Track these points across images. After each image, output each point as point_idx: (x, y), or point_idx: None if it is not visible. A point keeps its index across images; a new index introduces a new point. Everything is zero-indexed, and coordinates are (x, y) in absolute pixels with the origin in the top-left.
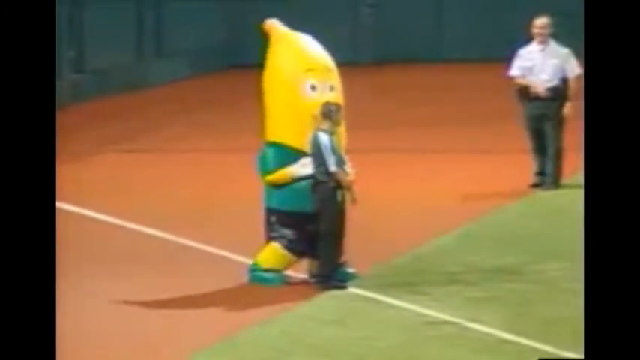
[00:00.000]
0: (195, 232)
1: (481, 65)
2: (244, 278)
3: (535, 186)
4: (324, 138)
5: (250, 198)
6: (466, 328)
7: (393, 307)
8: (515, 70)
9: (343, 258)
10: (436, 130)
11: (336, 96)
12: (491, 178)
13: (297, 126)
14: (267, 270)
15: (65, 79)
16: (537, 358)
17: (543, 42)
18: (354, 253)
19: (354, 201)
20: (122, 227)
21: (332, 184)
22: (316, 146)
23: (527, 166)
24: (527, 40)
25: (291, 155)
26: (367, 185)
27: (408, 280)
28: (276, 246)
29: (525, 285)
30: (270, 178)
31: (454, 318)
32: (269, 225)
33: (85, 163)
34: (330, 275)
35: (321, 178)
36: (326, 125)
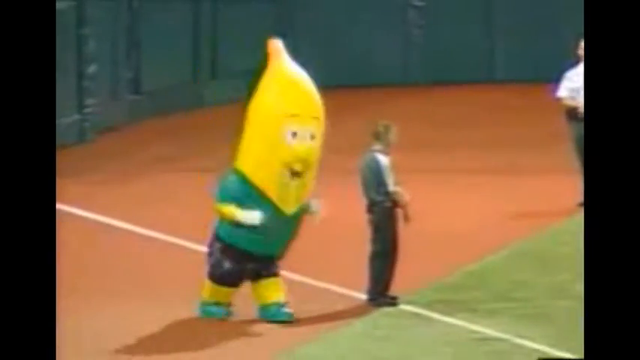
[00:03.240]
0: None
1: (531, 86)
2: (304, 296)
3: (583, 205)
4: (382, 159)
5: None
6: (515, 345)
7: (442, 323)
8: (563, 92)
9: (283, 298)
10: (488, 150)
11: (315, 145)
12: (540, 197)
13: (267, 167)
14: (215, 304)
15: (123, 99)
16: None
17: None
18: (405, 271)
19: (407, 219)
20: (174, 244)
21: (388, 203)
22: (373, 167)
23: (574, 185)
24: (575, 61)
25: (251, 192)
26: (417, 205)
27: (457, 298)
28: (208, 282)
29: (572, 302)
30: (219, 207)
31: (502, 334)
32: (211, 250)
33: (140, 181)
34: (382, 293)
35: (377, 198)
36: (379, 146)
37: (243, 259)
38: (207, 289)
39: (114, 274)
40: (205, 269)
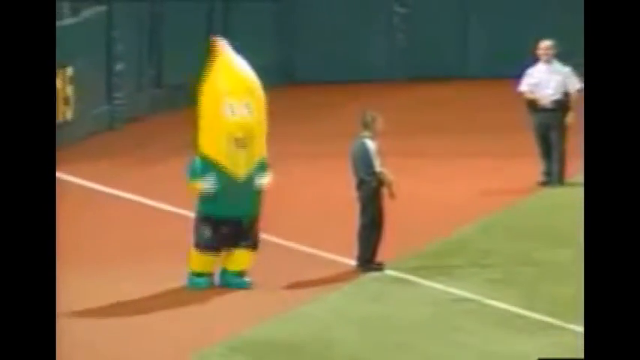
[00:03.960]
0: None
1: (498, 81)
2: (301, 262)
3: (543, 184)
4: (370, 143)
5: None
6: (485, 305)
7: (422, 286)
8: (524, 86)
9: (245, 268)
10: (457, 137)
11: (254, 116)
12: (506, 177)
13: (216, 140)
14: (199, 274)
15: (146, 93)
16: (545, 330)
17: (548, 61)
18: (390, 240)
19: (392, 196)
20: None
21: (375, 183)
22: (363, 150)
23: (535, 167)
24: (534, 60)
25: (209, 165)
26: (400, 184)
27: (435, 264)
28: (194, 252)
29: (535, 268)
30: (189, 184)
31: (475, 296)
32: (194, 224)
33: (162, 166)
34: (370, 260)
35: (366, 177)
36: (367, 132)
37: (217, 224)
38: (194, 259)
39: (135, 241)
40: (192, 242)
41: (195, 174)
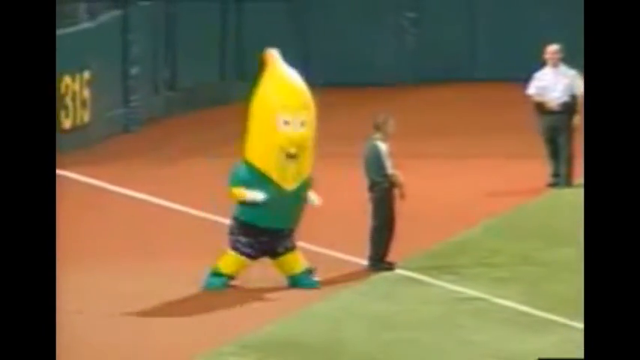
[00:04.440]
0: None
1: (505, 84)
2: (315, 262)
3: (551, 185)
4: (382, 146)
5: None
6: (492, 303)
7: (431, 285)
8: (532, 89)
9: (306, 265)
10: (465, 138)
11: (307, 131)
12: (513, 178)
13: (267, 152)
14: (220, 275)
15: (161, 95)
16: (551, 327)
17: (555, 65)
18: (401, 239)
19: (403, 197)
20: (206, 219)
21: (387, 184)
22: (375, 152)
23: (542, 168)
24: (542, 63)
25: (256, 175)
26: (410, 185)
27: (444, 264)
28: (231, 253)
29: (541, 267)
30: (231, 191)
31: (482, 294)
32: (231, 228)
33: (177, 167)
34: (381, 260)
35: (377, 179)
36: (379, 135)
37: (256, 233)
38: (228, 259)
39: (150, 241)
40: (228, 244)
41: (236, 180)
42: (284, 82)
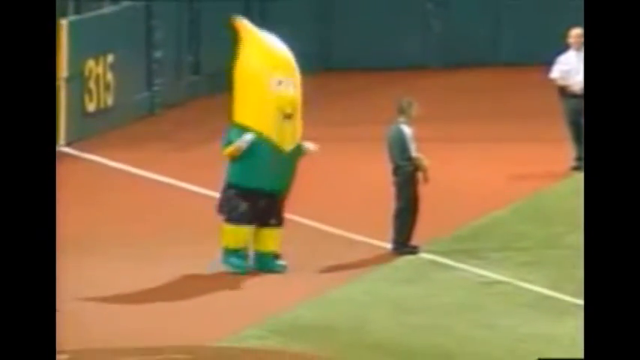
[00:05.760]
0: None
1: (530, 67)
2: (339, 245)
3: (574, 169)
4: (406, 129)
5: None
6: (517, 287)
7: (455, 269)
8: (555, 73)
9: (278, 249)
10: (490, 122)
11: (297, 92)
12: (538, 162)
13: (264, 113)
14: (233, 251)
15: (185, 80)
16: (575, 312)
17: (578, 49)
18: (425, 223)
19: (426, 181)
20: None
21: (410, 167)
22: (399, 136)
23: (566, 152)
24: (566, 47)
25: (260, 139)
26: (434, 168)
27: (468, 247)
28: (227, 226)
29: (566, 251)
30: (224, 151)
31: (507, 278)
32: (226, 198)
33: (201, 151)
34: (405, 243)
35: (401, 163)
36: (403, 118)
37: (255, 196)
38: (227, 234)
39: (173, 225)
40: (221, 219)
41: (229, 142)
42: (268, 45)
